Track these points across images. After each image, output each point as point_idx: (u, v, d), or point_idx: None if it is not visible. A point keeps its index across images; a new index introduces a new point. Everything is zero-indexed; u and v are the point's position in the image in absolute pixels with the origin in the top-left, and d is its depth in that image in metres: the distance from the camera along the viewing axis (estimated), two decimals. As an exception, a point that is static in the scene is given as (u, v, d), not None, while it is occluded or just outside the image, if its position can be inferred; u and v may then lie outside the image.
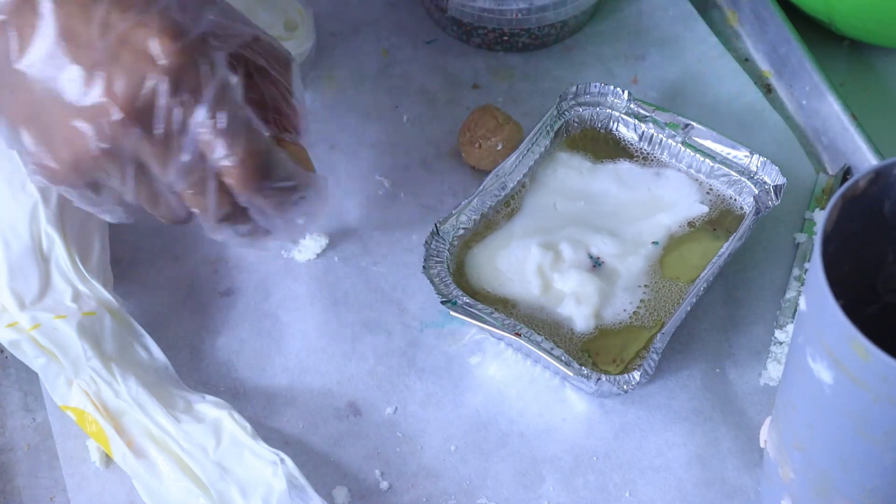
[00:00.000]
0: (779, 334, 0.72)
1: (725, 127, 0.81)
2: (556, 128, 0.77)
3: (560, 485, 0.67)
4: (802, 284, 0.73)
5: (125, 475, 0.66)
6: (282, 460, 0.63)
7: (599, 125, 0.77)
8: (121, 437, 0.65)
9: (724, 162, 0.75)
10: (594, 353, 0.69)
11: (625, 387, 0.66)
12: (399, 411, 0.69)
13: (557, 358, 0.67)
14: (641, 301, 0.71)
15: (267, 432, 0.68)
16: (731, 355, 0.71)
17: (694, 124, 0.75)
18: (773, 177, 0.73)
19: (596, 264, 0.71)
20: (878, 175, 0.53)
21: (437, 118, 0.81)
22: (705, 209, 0.74)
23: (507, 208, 0.75)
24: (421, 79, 0.84)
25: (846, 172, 0.78)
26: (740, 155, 0.74)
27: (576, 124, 0.77)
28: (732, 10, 0.88)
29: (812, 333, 0.52)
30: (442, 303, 0.69)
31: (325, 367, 0.71)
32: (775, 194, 0.72)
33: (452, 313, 0.68)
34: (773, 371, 0.70)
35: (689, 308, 0.68)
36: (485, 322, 0.68)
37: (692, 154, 0.75)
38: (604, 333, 0.69)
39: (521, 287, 0.71)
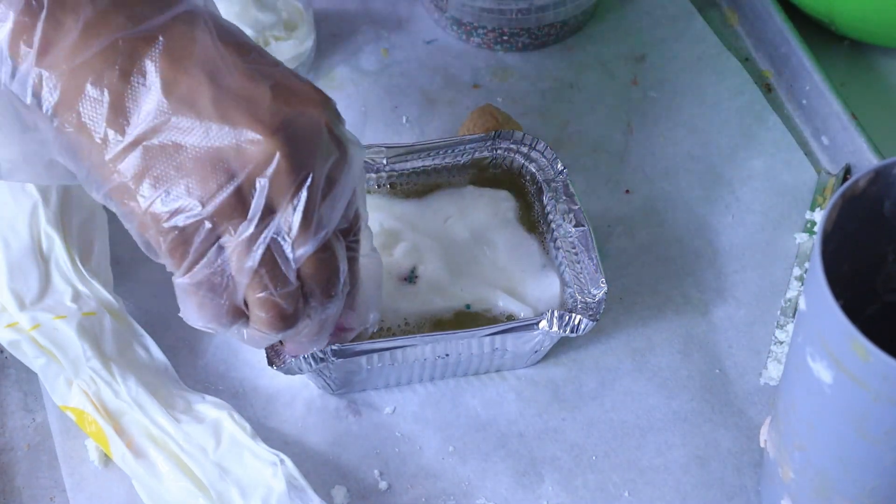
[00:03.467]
0: (779, 334, 0.72)
1: (725, 127, 0.81)
2: (482, 157, 0.73)
3: (559, 485, 0.67)
4: (802, 284, 0.73)
5: (125, 475, 0.66)
6: (281, 461, 0.63)
7: (529, 182, 0.72)
8: (120, 438, 0.65)
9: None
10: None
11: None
12: (398, 411, 0.69)
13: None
14: (401, 326, 0.68)
15: (267, 432, 0.68)
16: (731, 355, 0.71)
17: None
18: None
19: (409, 279, 0.69)
20: (878, 175, 0.53)
21: (437, 118, 0.81)
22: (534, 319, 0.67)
23: (404, 183, 0.72)
24: (421, 79, 0.84)
25: (846, 172, 0.78)
26: (599, 277, 0.67)
27: (504, 167, 0.73)
28: (732, 9, 0.88)
29: (812, 333, 0.52)
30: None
31: (324, 368, 0.71)
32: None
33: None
34: (773, 371, 0.70)
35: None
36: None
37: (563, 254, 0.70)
38: None
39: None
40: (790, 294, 0.73)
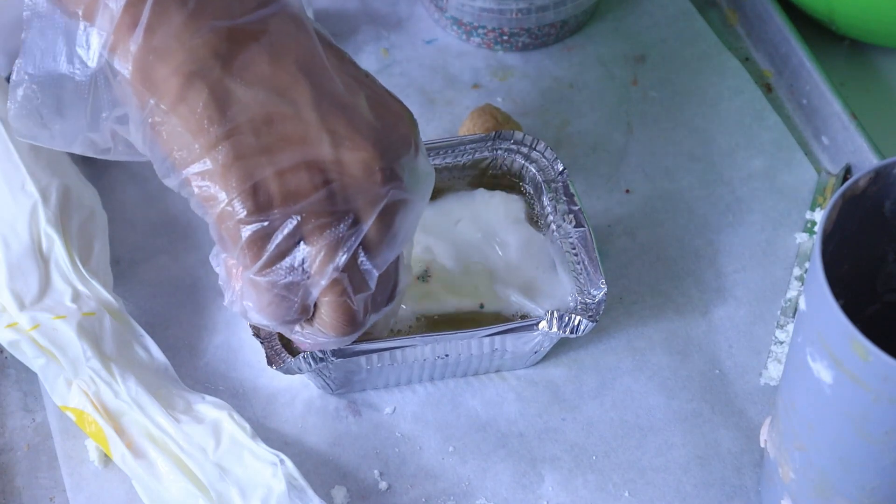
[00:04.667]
0: (779, 334, 0.72)
1: (725, 127, 0.81)
2: (484, 160, 0.73)
3: (559, 485, 0.67)
4: (802, 284, 0.73)
5: (125, 475, 0.66)
6: (281, 461, 0.63)
7: (529, 183, 0.72)
8: (120, 438, 0.65)
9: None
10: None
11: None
12: (398, 411, 0.69)
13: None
14: (412, 325, 0.69)
15: (267, 432, 0.68)
16: (731, 355, 0.71)
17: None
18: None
19: (421, 278, 0.69)
20: (878, 175, 0.53)
21: (436, 118, 0.81)
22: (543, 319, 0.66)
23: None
24: (421, 79, 0.84)
25: (846, 172, 0.78)
26: (598, 278, 0.67)
27: (504, 167, 0.73)
28: (732, 9, 0.88)
29: (812, 333, 0.52)
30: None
31: (324, 368, 0.71)
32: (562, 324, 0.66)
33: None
34: (773, 371, 0.70)
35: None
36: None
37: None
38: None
39: None
40: (790, 294, 0.73)
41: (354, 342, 0.63)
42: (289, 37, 0.55)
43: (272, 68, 0.54)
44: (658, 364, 0.71)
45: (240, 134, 0.53)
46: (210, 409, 0.66)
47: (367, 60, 0.84)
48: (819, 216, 0.76)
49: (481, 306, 0.69)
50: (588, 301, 0.66)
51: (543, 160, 0.71)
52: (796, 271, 0.74)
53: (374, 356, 0.65)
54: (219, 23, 0.53)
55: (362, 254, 0.56)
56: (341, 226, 0.55)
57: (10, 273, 0.68)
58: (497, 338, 0.65)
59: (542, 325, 0.65)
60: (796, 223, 0.77)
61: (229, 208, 0.54)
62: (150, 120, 0.54)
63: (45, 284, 0.68)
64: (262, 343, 0.64)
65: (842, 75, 0.84)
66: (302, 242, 0.55)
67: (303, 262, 0.55)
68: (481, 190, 0.72)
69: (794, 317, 0.72)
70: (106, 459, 0.67)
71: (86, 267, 0.69)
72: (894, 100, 0.84)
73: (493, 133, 0.72)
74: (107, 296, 0.69)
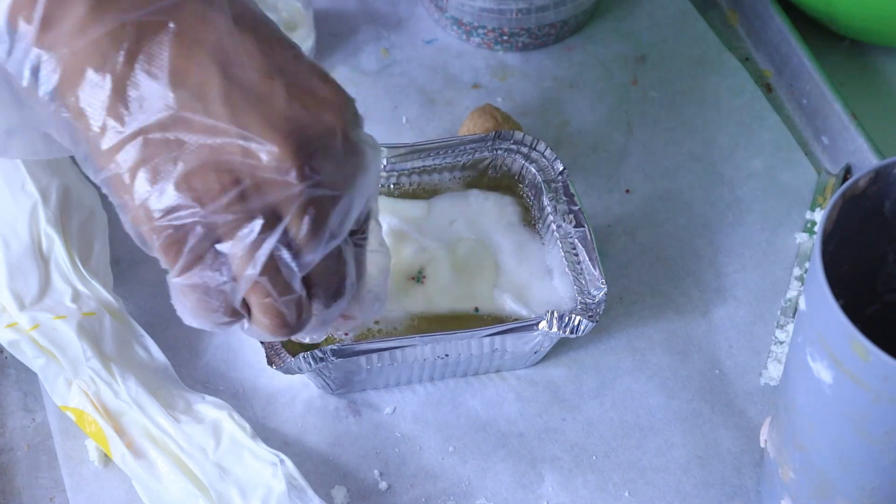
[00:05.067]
0: (779, 334, 0.72)
1: (725, 127, 0.81)
2: (482, 161, 0.73)
3: (559, 485, 0.67)
4: (802, 284, 0.73)
5: (125, 475, 0.66)
6: (281, 461, 0.63)
7: (529, 183, 0.73)
8: (120, 438, 0.65)
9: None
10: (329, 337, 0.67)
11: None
12: (398, 412, 0.69)
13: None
14: (407, 325, 0.68)
15: (267, 432, 0.68)
16: (731, 355, 0.71)
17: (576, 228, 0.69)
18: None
19: (416, 279, 0.69)
20: (878, 175, 0.53)
21: (436, 118, 0.81)
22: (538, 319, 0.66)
23: (406, 184, 0.72)
24: (421, 79, 0.84)
25: (846, 172, 0.78)
26: (598, 278, 0.67)
27: (504, 168, 0.73)
28: (732, 9, 0.88)
29: (812, 333, 0.52)
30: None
31: (324, 368, 0.71)
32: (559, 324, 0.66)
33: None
34: (773, 371, 0.70)
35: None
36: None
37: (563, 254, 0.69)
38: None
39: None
40: (790, 294, 0.73)
41: (356, 340, 0.63)
42: (202, 25, 0.51)
43: (181, 61, 0.51)
44: (658, 364, 0.71)
45: (145, 134, 0.51)
46: (210, 409, 0.66)
47: (367, 60, 0.84)
48: (819, 216, 0.76)
49: (476, 309, 0.69)
50: (588, 301, 0.66)
51: (543, 160, 0.71)
52: (796, 271, 0.74)
53: (374, 356, 0.65)
54: (125, 15, 0.50)
55: (286, 254, 0.53)
56: (254, 228, 0.52)
57: (10, 273, 0.68)
58: (497, 338, 0.65)
59: (542, 325, 0.65)
60: (796, 223, 0.77)
61: (140, 213, 0.52)
62: (59, 123, 0.52)
63: (45, 284, 0.68)
64: (262, 343, 0.64)
65: (842, 75, 0.84)
66: (218, 245, 0.52)
67: (222, 265, 0.53)
68: (475, 191, 0.72)
69: (794, 317, 0.72)
70: (106, 459, 0.67)
71: (86, 267, 0.69)
72: (894, 100, 0.84)
73: (493, 133, 0.72)
74: (107, 296, 0.69)
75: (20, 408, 0.70)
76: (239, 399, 0.69)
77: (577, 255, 0.68)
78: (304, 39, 0.82)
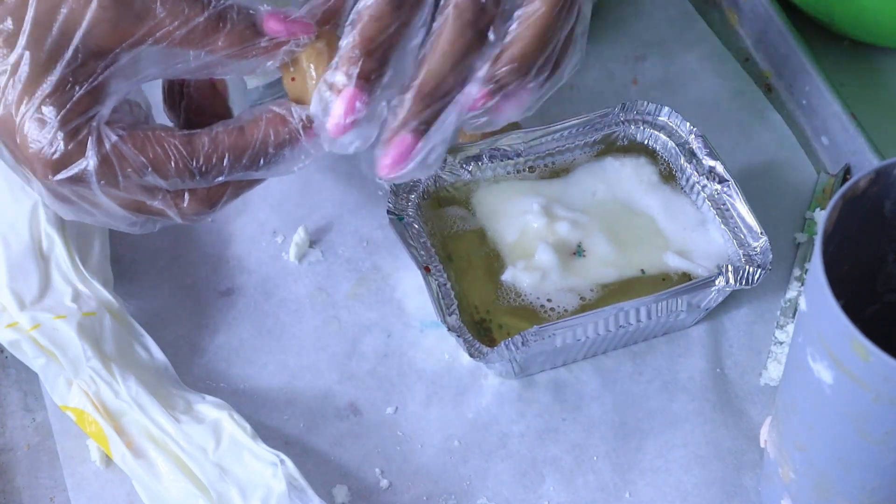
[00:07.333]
0: (779, 334, 0.72)
1: (725, 127, 0.81)
2: (610, 131, 0.75)
3: (560, 485, 0.67)
4: (802, 284, 0.73)
5: (125, 475, 0.66)
6: (282, 461, 0.63)
7: (662, 150, 0.75)
8: (120, 438, 0.65)
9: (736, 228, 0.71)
10: (494, 323, 0.68)
11: (477, 352, 0.65)
12: (399, 411, 0.69)
13: (444, 306, 0.67)
14: (578, 302, 0.69)
15: (267, 432, 0.68)
16: (731, 355, 0.71)
17: (729, 183, 0.71)
18: (761, 259, 0.69)
19: (577, 254, 0.71)
20: (878, 175, 0.53)
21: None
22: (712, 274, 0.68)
23: (527, 168, 0.74)
24: (421, 79, 0.83)
25: (846, 172, 0.78)
26: (755, 228, 0.70)
27: (632, 138, 0.75)
28: (732, 10, 0.88)
29: (812, 333, 0.52)
30: (388, 213, 0.70)
31: (325, 367, 0.71)
32: (742, 279, 0.67)
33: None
34: (773, 371, 0.70)
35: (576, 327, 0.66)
36: (408, 246, 0.68)
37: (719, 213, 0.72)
38: (511, 312, 0.69)
39: (502, 231, 0.71)
40: (790, 294, 0.73)
41: (401, 232, 0.68)
42: None
43: None
44: (658, 364, 0.71)
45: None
46: (210, 408, 0.66)
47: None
48: (819, 216, 0.76)
49: (642, 272, 0.70)
50: (751, 253, 0.68)
51: (671, 125, 0.74)
52: (796, 271, 0.74)
53: (569, 332, 0.66)
54: None
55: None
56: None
57: (11, 273, 0.68)
58: (678, 298, 0.67)
59: (720, 281, 0.67)
60: (796, 223, 0.77)
61: None
62: None
63: (46, 284, 0.68)
64: (460, 337, 0.65)
65: (842, 75, 0.84)
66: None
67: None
68: (609, 158, 0.74)
69: (794, 317, 0.72)
70: (107, 459, 0.67)
71: (86, 267, 0.69)
72: (894, 100, 0.84)
73: (619, 105, 0.74)
74: (107, 296, 0.69)
75: (20, 407, 0.70)
76: (239, 398, 0.69)
77: (726, 208, 0.70)
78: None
